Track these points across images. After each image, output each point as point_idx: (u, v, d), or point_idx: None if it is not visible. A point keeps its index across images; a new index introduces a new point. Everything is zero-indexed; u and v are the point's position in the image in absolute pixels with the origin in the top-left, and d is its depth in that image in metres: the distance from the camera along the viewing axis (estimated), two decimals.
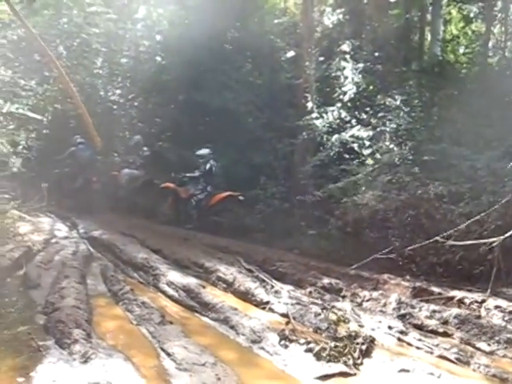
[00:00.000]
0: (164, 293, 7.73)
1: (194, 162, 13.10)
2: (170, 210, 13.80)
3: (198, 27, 14.83)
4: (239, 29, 15.97)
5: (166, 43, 17.44)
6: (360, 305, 7.31)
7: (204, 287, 7.77)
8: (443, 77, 12.72)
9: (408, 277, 8.09)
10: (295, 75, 14.84)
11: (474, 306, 7.07)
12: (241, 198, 12.29)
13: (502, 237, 7.39)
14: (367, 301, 7.35)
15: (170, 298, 7.51)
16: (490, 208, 8.25)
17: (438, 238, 7.99)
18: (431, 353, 5.71)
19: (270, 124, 14.56)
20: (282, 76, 15.49)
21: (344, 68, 13.72)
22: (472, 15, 16.41)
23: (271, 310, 6.95)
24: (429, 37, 15.48)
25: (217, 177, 12.99)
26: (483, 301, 7.04)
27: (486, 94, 12.28)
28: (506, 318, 6.76)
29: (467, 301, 7.16)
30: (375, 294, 7.44)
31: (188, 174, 13.09)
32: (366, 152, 11.13)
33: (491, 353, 5.91)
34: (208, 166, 12.79)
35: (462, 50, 16.34)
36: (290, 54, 15.78)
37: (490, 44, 15.31)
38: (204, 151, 13.01)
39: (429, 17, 15.52)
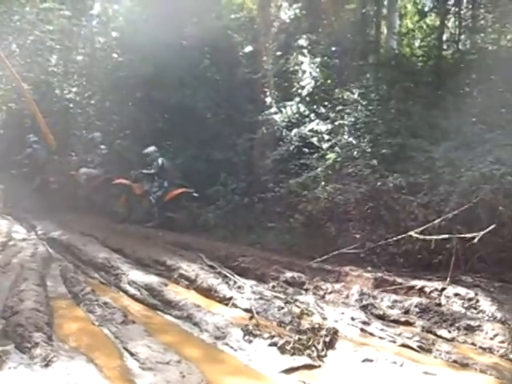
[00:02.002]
0: (126, 292, 7.65)
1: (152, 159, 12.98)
2: (122, 208, 13.64)
3: (155, 23, 14.66)
4: (196, 24, 15.84)
5: (122, 40, 17.19)
6: (323, 297, 7.36)
7: (166, 285, 7.73)
8: (400, 70, 12.89)
9: (369, 268, 8.18)
10: (253, 70, 14.78)
11: (435, 295, 7.20)
12: (195, 194, 12.23)
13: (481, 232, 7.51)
14: (330, 293, 7.42)
15: (132, 297, 7.45)
16: (447, 197, 8.41)
17: (412, 232, 8.07)
18: (394, 342, 5.79)
19: (230, 119, 14.50)
20: (240, 71, 15.41)
21: (302, 62, 13.73)
22: (426, 9, 16.66)
23: (234, 305, 6.95)
24: (385, 30, 15.66)
25: (170, 173, 12.90)
26: (443, 289, 7.18)
27: (441, 86, 12.49)
28: (465, 305, 6.91)
29: (427, 289, 7.28)
30: (338, 286, 7.52)
31: (144, 171, 12.97)
32: (325, 146, 11.15)
33: (452, 339, 6.04)
34: (160, 161, 12.71)
35: (417, 44, 16.55)
36: (248, 49, 15.70)
37: (445, 37, 15.55)
38: (150, 149, 12.99)
39: (385, 11, 15.68)
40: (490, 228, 7.52)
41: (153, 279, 7.86)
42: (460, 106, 11.54)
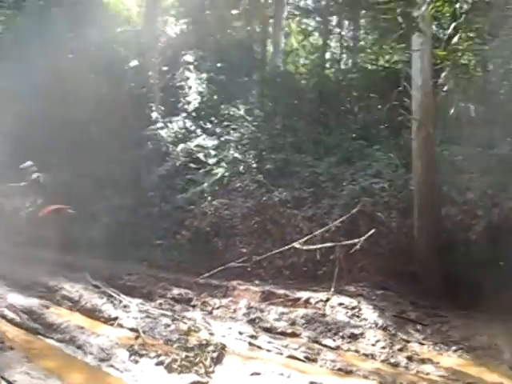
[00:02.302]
0: (4, 317, 7.15)
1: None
2: None
3: (37, 35, 14.04)
4: (81, 37, 15.35)
5: (1, 49, 16.29)
6: (210, 313, 7.32)
7: (48, 308, 7.31)
8: (284, 87, 13.21)
9: (257, 282, 8.27)
10: (139, 85, 14.56)
11: (320, 305, 7.40)
12: (70, 211, 11.70)
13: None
14: (217, 308, 7.39)
15: (11, 321, 6.97)
16: (330, 210, 8.69)
17: (296, 244, 8.23)
18: (281, 354, 5.84)
19: (115, 134, 14.11)
20: (126, 85, 15.11)
21: (188, 78, 13.72)
22: (310, 29, 17.28)
23: (120, 325, 6.70)
24: (271, 48, 16.03)
25: (47, 188, 12.29)
26: (327, 299, 7.39)
27: (323, 103, 12.94)
28: (348, 314, 7.16)
29: (313, 300, 7.47)
30: (225, 301, 7.51)
31: (12, 184, 12.24)
32: (211, 161, 11.18)
33: (336, 348, 6.21)
34: (34, 176, 12.07)
35: (301, 62, 17.09)
36: (134, 63, 15.44)
37: (327, 56, 16.19)
38: (26, 164, 12.33)
39: (271, 29, 16.04)
40: (369, 234, 7.87)
41: (33, 302, 7.42)
42: (341, 123, 12.03)
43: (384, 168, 9.84)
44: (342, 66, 15.89)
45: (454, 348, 6.52)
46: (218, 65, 14.15)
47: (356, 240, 7.82)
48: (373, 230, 8.06)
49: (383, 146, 10.73)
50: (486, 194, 9.14)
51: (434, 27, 12.23)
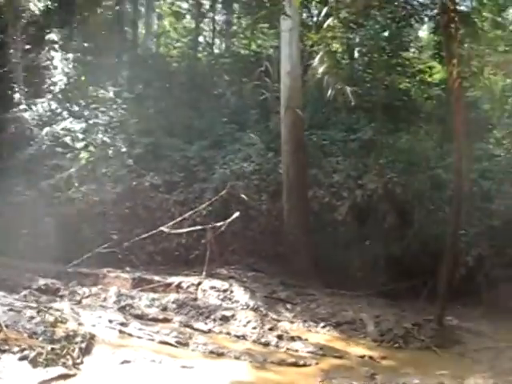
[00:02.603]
0: None
1: None
2: None
3: None
4: None
5: None
6: (80, 302, 7.07)
7: None
8: (156, 70, 13.00)
9: (128, 268, 8.14)
10: (0, 64, 13.66)
11: (192, 290, 7.43)
12: None
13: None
14: (87, 297, 7.16)
15: None
16: (202, 194, 8.73)
17: (163, 227, 8.17)
18: (152, 340, 5.79)
19: None
20: None
21: (53, 58, 13.06)
22: (183, 11, 17.07)
23: None
24: (143, 30, 15.68)
25: None
26: (199, 283, 7.44)
27: (195, 87, 12.90)
28: (220, 297, 7.26)
29: (184, 285, 7.49)
30: (95, 289, 7.31)
31: None
32: (79, 145, 10.75)
33: (208, 331, 6.27)
34: None
35: (174, 45, 16.86)
36: None
37: (200, 40, 16.12)
38: None
39: (143, 10, 15.69)
40: (233, 217, 8.03)
41: None
42: (213, 107, 12.08)
43: (254, 152, 10.02)
44: (216, 51, 15.91)
45: (322, 324, 6.83)
46: (86, 45, 13.60)
47: (221, 223, 7.93)
48: (237, 214, 8.24)
49: (254, 130, 10.91)
50: (350, 177, 9.61)
51: (304, 15, 12.67)
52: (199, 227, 8.23)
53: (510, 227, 8.47)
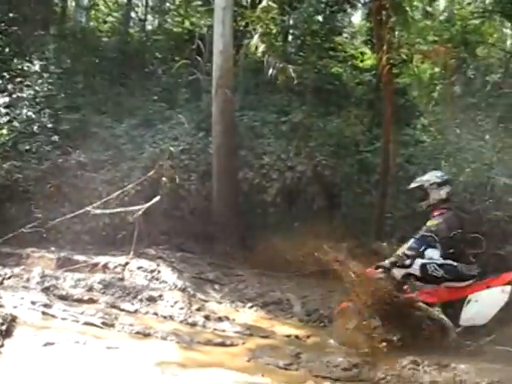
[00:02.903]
0: None
1: None
2: None
3: None
4: None
5: None
6: (1, 283, 6.83)
7: None
8: (85, 44, 12.60)
9: (53, 248, 7.92)
10: None
11: (119, 270, 7.33)
12: None
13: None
14: (9, 278, 6.90)
15: None
16: (130, 173, 8.60)
17: (89, 208, 8.00)
18: (77, 321, 5.67)
19: None
20: None
21: None
22: None
23: None
24: (73, 2, 15.15)
25: None
26: (126, 263, 7.35)
27: (126, 63, 12.61)
28: (147, 277, 7.20)
29: (111, 265, 7.38)
30: (17, 270, 7.06)
31: None
32: (2, 120, 10.36)
33: (135, 312, 6.20)
34: None
35: (105, 19, 16.36)
36: None
37: (132, 15, 15.72)
38: None
39: None
40: (154, 201, 8.00)
41: None
42: (144, 84, 11.85)
43: (184, 131, 9.94)
44: (148, 27, 15.58)
45: (249, 305, 6.90)
46: (10, 15, 13.01)
47: (140, 207, 7.87)
48: (157, 198, 8.18)
49: (184, 109, 10.81)
50: (280, 159, 9.68)
51: None
52: (122, 209, 8.11)
53: None
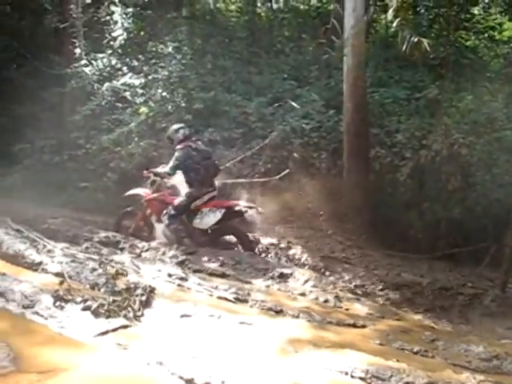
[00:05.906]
0: None
1: None
2: None
3: None
4: None
5: None
6: (139, 256, 7.15)
7: None
8: (214, 25, 12.83)
9: None
10: (61, 19, 13.74)
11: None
12: None
13: None
14: (146, 251, 7.22)
15: None
16: (260, 152, 8.64)
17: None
18: (211, 295, 5.78)
19: (35, 72, 13.39)
20: (46, 20, 14.24)
21: (113, 13, 13.08)
22: None
23: (44, 270, 6.43)
24: None
25: None
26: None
27: (254, 42, 12.70)
28: (278, 255, 7.20)
29: None
30: (154, 243, 7.36)
31: None
32: (138, 100, 10.81)
33: (267, 288, 6.22)
34: None
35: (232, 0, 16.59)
36: None
37: None
38: None
39: None
40: (284, 173, 7.98)
41: None
42: (272, 63, 11.87)
43: (314, 109, 9.81)
44: (274, 6, 15.58)
45: (380, 287, 6.71)
46: None
47: (272, 178, 7.92)
48: (287, 171, 8.17)
49: (314, 87, 10.68)
50: (414, 136, 9.29)
51: None
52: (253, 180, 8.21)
53: None
